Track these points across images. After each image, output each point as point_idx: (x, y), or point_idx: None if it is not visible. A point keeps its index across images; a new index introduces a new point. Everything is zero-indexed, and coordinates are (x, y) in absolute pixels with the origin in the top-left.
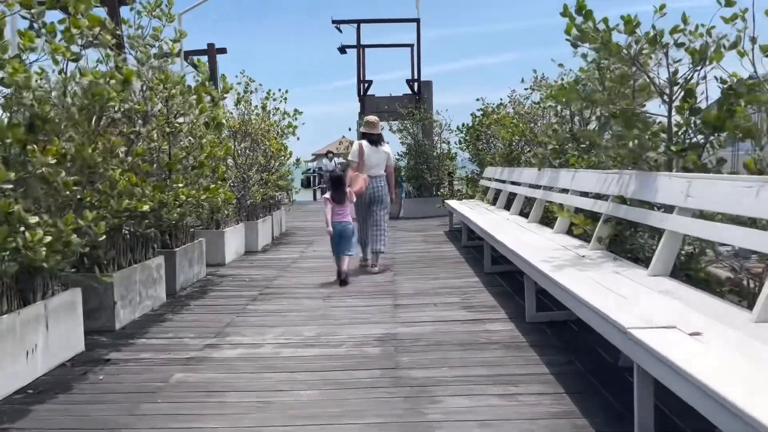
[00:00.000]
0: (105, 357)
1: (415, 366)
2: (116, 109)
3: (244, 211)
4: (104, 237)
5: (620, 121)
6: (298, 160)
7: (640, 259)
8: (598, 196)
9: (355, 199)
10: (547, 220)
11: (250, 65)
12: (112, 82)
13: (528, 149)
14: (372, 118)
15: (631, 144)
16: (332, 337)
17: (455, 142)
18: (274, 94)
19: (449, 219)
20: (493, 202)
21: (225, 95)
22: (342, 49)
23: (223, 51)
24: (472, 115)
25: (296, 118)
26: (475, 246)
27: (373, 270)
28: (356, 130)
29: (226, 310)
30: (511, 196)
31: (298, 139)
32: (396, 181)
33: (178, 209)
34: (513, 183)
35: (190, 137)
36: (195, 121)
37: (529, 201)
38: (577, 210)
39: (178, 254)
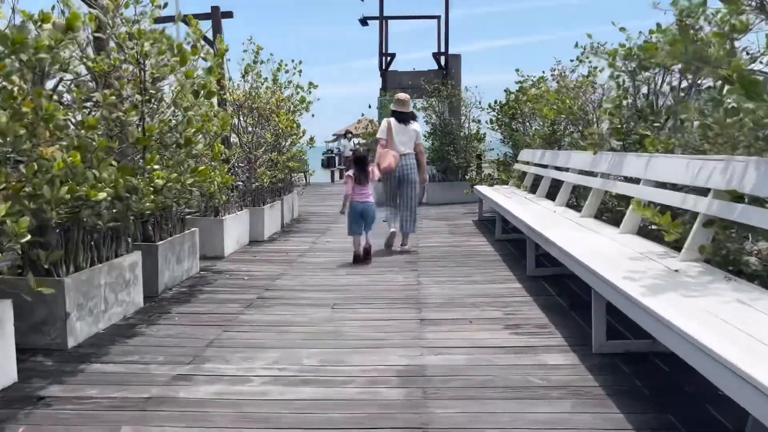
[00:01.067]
0: (38, 394)
1: (452, 426)
2: (59, 66)
3: (249, 195)
4: (54, 231)
5: (736, 89)
6: (312, 139)
7: (757, 276)
8: (688, 190)
9: (378, 178)
10: (604, 214)
11: (263, 42)
12: (47, 27)
13: (572, 129)
14: (402, 95)
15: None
16: (338, 367)
17: (486, 122)
18: (286, 65)
19: (479, 207)
20: (532, 190)
21: (219, 59)
22: (363, 21)
23: (228, 15)
24: (506, 91)
25: (310, 92)
26: (511, 240)
27: (403, 247)
28: (377, 108)
29: (213, 321)
30: (555, 183)
31: (312, 115)
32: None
33: (154, 197)
34: (557, 168)
35: (174, 108)
36: (179, 88)
37: (580, 190)
38: (652, 205)
39: (162, 249)
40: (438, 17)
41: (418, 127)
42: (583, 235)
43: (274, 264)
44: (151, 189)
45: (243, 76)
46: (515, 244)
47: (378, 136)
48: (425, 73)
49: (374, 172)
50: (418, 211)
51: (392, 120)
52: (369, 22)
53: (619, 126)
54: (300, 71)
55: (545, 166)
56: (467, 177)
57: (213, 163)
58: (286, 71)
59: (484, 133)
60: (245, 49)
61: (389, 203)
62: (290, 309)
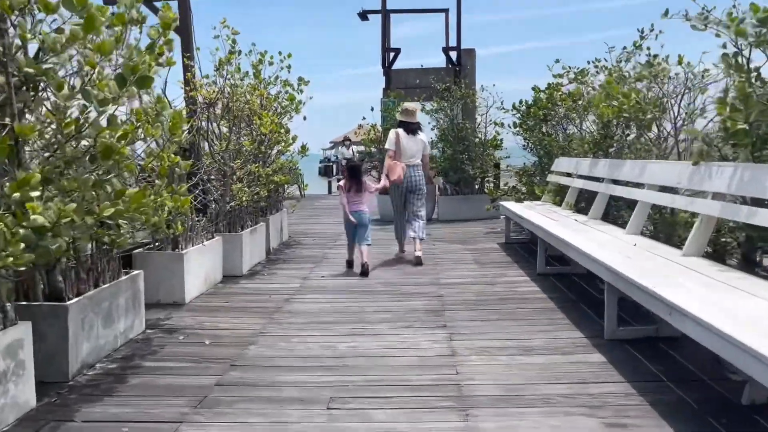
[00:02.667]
0: None
1: None
2: None
3: (223, 218)
4: None
5: None
6: (304, 147)
7: None
8: None
9: (373, 190)
10: (714, 251)
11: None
12: None
13: (629, 132)
14: (410, 105)
15: None
16: None
17: (509, 125)
18: (271, 57)
19: (505, 226)
20: (577, 207)
21: (164, 31)
22: (363, 15)
23: None
24: (534, 89)
25: (301, 91)
26: (559, 275)
27: (417, 254)
28: (380, 110)
29: None
30: (615, 202)
31: (304, 118)
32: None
33: (20, 246)
34: (615, 182)
35: (87, 102)
36: (87, 66)
37: (662, 214)
38: None
39: (77, 310)
40: (447, 10)
41: (426, 137)
42: (725, 296)
43: (250, 315)
44: (14, 232)
45: (217, 70)
46: (566, 281)
47: (386, 147)
48: (435, 70)
49: (370, 185)
50: (429, 230)
51: (400, 131)
52: (369, 16)
53: (744, 127)
54: (289, 67)
55: (599, 180)
56: (486, 190)
57: (160, 181)
58: (271, 64)
59: (501, 139)
60: (217, 34)
61: (397, 217)
62: (263, 410)
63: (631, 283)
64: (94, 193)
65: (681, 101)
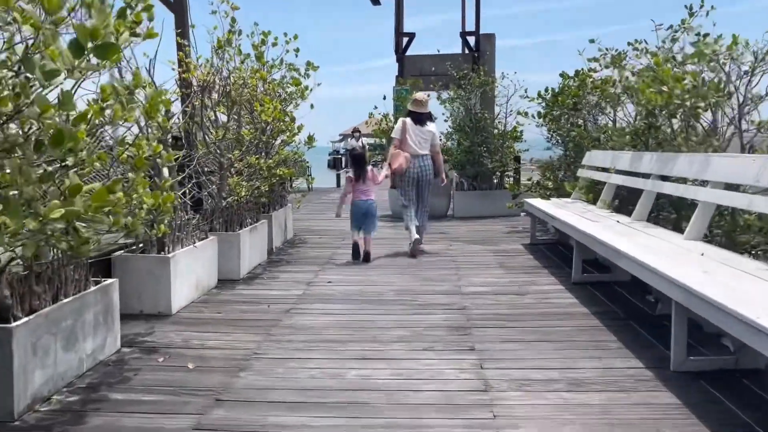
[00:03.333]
0: None
1: None
2: None
3: (220, 215)
4: None
5: None
6: (311, 137)
7: None
8: None
9: (380, 181)
10: None
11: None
12: None
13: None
14: (420, 95)
15: None
16: None
17: (532, 115)
18: (276, 39)
19: (531, 225)
20: (615, 206)
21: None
22: None
23: None
24: (562, 75)
25: (308, 76)
26: (597, 284)
27: (418, 246)
28: (392, 99)
29: None
30: (661, 201)
31: (312, 106)
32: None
33: None
34: (663, 178)
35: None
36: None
37: (726, 216)
38: None
39: (24, 333)
40: None
41: (435, 128)
42: None
43: (245, 330)
44: None
45: (216, 51)
46: (607, 292)
47: (393, 135)
48: (452, 56)
49: (376, 175)
50: (444, 228)
51: (408, 120)
52: (382, 1)
53: None
54: (297, 50)
55: (644, 176)
56: (506, 185)
57: (133, 174)
58: (275, 45)
59: (522, 130)
60: (214, 10)
61: (410, 207)
62: None
63: (723, 310)
64: (43, 189)
65: (747, 84)
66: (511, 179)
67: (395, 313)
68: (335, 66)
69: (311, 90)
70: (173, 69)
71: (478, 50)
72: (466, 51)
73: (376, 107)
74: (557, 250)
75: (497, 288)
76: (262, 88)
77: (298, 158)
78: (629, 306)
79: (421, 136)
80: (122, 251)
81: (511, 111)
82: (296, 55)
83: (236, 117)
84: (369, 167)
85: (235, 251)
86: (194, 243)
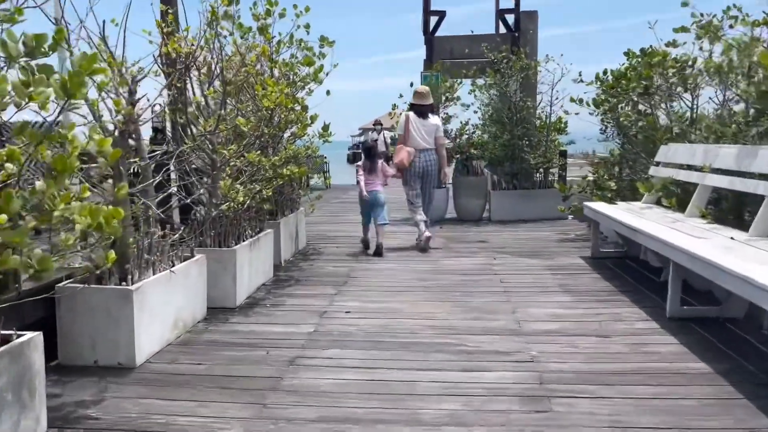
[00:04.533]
0: None
1: None
2: None
3: (211, 227)
4: None
5: None
6: (326, 128)
7: None
8: None
9: (390, 175)
10: None
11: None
12: None
13: None
14: (422, 88)
15: None
16: None
17: (587, 103)
18: (284, 10)
19: (592, 234)
20: (711, 215)
21: None
22: None
23: None
24: (627, 53)
25: (323, 55)
26: (701, 319)
27: (421, 241)
28: (420, 83)
29: None
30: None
31: (328, 93)
32: (448, 156)
33: None
34: None
35: None
36: None
37: None
38: None
39: None
40: None
41: (439, 120)
42: None
43: (230, 396)
44: None
45: (209, 23)
46: (721, 333)
47: (396, 131)
48: (488, 37)
49: (386, 168)
50: (480, 234)
51: (411, 114)
52: None
53: None
54: (308, 26)
55: (765, 177)
56: (552, 183)
57: (42, 183)
58: (282, 16)
59: (567, 121)
60: None
61: (417, 202)
62: None
63: None
64: None
65: None
66: (557, 177)
67: (438, 367)
68: (360, 58)
69: (327, 73)
70: (150, 42)
71: (519, 30)
72: (504, 31)
73: (401, 95)
74: (628, 266)
75: (569, 325)
76: (268, 70)
77: (312, 154)
78: (751, 352)
79: (425, 129)
80: (68, 281)
81: (556, 98)
82: (308, 32)
83: (232, 103)
84: (380, 160)
85: (230, 272)
86: (171, 266)
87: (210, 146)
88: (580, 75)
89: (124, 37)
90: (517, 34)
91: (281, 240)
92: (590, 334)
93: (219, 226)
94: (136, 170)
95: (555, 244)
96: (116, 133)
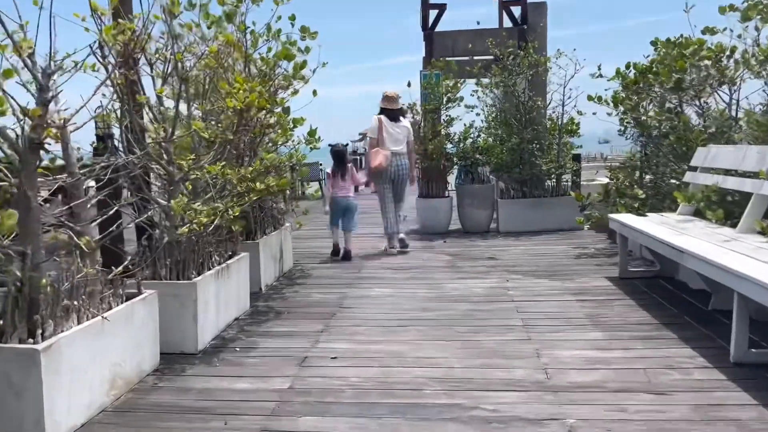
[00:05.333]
0: None
1: None
2: None
3: (167, 255)
4: None
5: None
6: (312, 132)
7: None
8: None
9: (363, 181)
10: None
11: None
12: None
13: None
14: (391, 92)
15: None
16: None
17: (606, 101)
18: None
19: (620, 250)
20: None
21: None
22: None
23: None
24: (655, 43)
25: (308, 50)
26: None
27: (392, 252)
28: (420, 83)
29: None
30: None
31: (315, 93)
32: (416, 161)
33: None
34: None
35: None
36: None
37: None
38: None
39: None
40: None
41: (409, 124)
42: None
43: None
44: None
45: (167, 10)
46: None
47: (369, 135)
48: (493, 32)
49: (356, 174)
50: (486, 248)
51: (383, 117)
52: None
53: None
54: (293, 18)
55: None
56: (565, 190)
57: None
58: (256, 2)
59: (579, 122)
60: None
61: (390, 211)
62: None
63: None
64: None
65: None
66: (570, 183)
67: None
68: (354, 64)
69: (314, 70)
70: (87, 30)
71: (526, 23)
72: (510, 25)
73: (399, 96)
74: (663, 288)
75: (609, 374)
76: (241, 65)
77: (298, 162)
78: None
79: (397, 133)
80: None
81: (569, 97)
82: (292, 24)
83: (196, 104)
84: (350, 165)
85: (190, 310)
86: (108, 309)
87: (165, 156)
88: (599, 69)
89: (51, 24)
90: (525, 26)
91: (261, 263)
92: (639, 389)
93: (177, 254)
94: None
95: (574, 260)
96: (22, 142)
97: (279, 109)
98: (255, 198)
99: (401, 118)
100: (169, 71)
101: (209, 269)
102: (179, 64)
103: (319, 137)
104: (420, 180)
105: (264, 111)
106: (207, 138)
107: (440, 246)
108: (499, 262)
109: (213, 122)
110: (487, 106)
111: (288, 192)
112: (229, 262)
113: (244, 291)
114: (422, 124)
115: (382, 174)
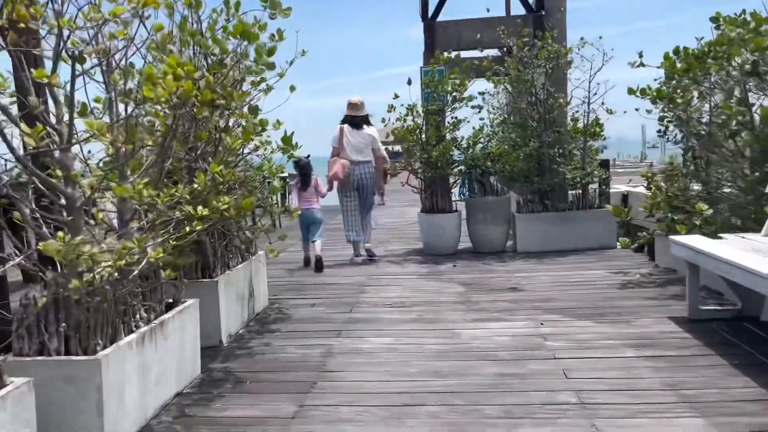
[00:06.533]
0: None
1: None
2: None
3: (57, 321)
4: None
5: None
6: (287, 139)
7: None
8: None
9: (325, 191)
10: None
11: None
12: None
13: None
14: (356, 99)
15: None
16: None
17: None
18: None
19: (688, 283)
20: None
21: None
22: None
23: None
24: (716, 19)
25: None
26: None
27: (372, 258)
28: (420, 81)
29: None
30: None
31: (292, 89)
32: (385, 171)
33: None
34: None
35: None
36: None
37: None
38: None
39: None
40: None
41: (375, 131)
42: None
43: None
44: None
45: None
46: None
47: (331, 144)
48: (505, 20)
49: (320, 185)
50: (505, 276)
51: (345, 126)
52: None
53: None
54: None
55: None
56: (594, 203)
57: None
58: None
59: (602, 123)
60: None
61: (349, 218)
62: None
63: None
64: None
65: None
66: (597, 193)
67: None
68: (349, 76)
69: (291, 62)
70: None
71: (543, 8)
72: (523, 12)
73: (397, 96)
74: (755, 335)
75: None
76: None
77: (272, 175)
78: None
79: (360, 141)
80: None
81: (595, 93)
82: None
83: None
84: (314, 176)
85: (91, 400)
86: None
87: (60, 172)
88: (640, 57)
89: None
90: (543, 12)
91: (222, 308)
92: None
93: (78, 315)
94: None
95: (619, 292)
96: None
97: (244, 109)
98: (201, 228)
99: (365, 126)
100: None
101: (133, 331)
102: (66, 33)
103: (297, 144)
104: (422, 192)
105: (217, 109)
106: (106, 142)
107: (449, 272)
108: (524, 294)
109: (146, 122)
110: (493, 108)
111: (265, 211)
112: (165, 317)
113: (191, 352)
114: (423, 128)
115: (345, 184)
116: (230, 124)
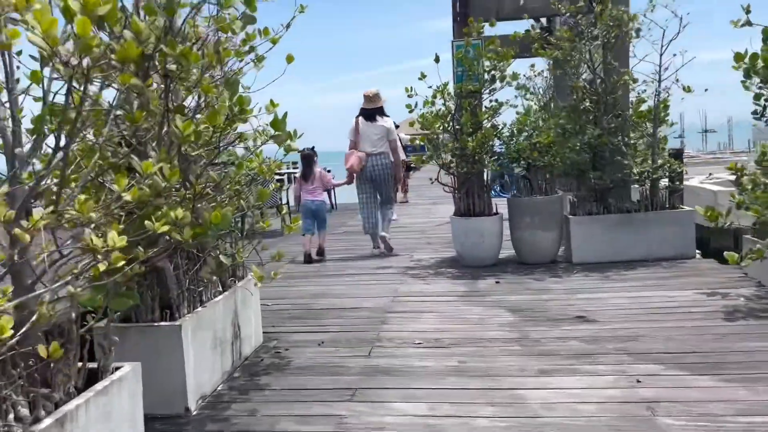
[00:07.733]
0: None
1: None
2: None
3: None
4: None
5: None
6: (277, 123)
7: None
8: None
9: (333, 184)
10: None
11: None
12: None
13: None
14: (370, 91)
15: None
16: None
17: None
18: None
19: None
20: None
21: None
22: None
23: None
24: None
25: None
26: None
27: (389, 251)
28: (452, 57)
29: None
30: None
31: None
32: (405, 163)
33: None
34: None
35: None
36: None
37: None
38: None
39: None
40: None
41: (390, 123)
42: None
43: None
44: None
45: None
46: None
47: (348, 137)
48: None
49: (325, 176)
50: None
51: (360, 118)
52: None
53: None
54: None
55: None
56: (666, 202)
57: None
58: None
59: (668, 105)
60: None
61: (367, 210)
62: None
63: None
64: None
65: None
66: (667, 191)
67: None
68: (386, 65)
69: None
70: None
71: None
72: None
73: (424, 75)
74: None
75: None
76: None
77: (262, 175)
78: None
79: (374, 133)
80: None
81: (666, 68)
82: None
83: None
84: (318, 168)
85: None
86: None
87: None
88: (747, 13)
89: None
90: None
91: (188, 361)
92: None
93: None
94: None
95: (731, 325)
96: None
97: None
98: (123, 268)
99: (378, 117)
100: None
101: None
102: None
103: (297, 132)
104: (455, 191)
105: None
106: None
107: (492, 290)
108: (598, 327)
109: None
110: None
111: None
112: (67, 407)
113: None
114: (455, 113)
115: (360, 176)
116: (189, 102)
